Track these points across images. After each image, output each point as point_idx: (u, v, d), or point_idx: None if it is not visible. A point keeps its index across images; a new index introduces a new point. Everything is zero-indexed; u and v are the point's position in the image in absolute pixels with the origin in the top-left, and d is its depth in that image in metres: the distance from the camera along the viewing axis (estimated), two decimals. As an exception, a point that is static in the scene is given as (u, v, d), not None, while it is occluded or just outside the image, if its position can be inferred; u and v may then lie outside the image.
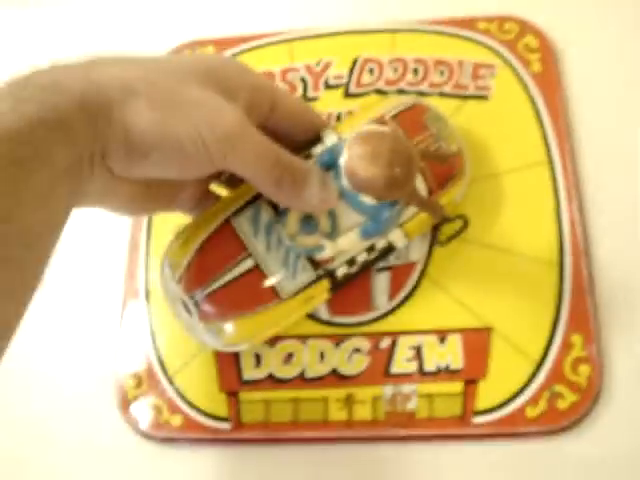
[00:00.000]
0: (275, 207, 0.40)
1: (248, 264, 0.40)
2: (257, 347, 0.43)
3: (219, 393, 0.43)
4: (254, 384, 0.43)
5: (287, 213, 0.39)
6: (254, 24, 0.54)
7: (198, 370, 0.44)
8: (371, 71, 0.50)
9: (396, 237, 0.42)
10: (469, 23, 0.51)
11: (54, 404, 0.46)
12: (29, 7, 0.60)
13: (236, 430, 0.42)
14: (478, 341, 0.42)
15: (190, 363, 0.44)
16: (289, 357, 0.43)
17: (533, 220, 0.45)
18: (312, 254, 0.40)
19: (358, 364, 0.43)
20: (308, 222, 0.39)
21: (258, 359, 0.43)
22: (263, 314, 0.40)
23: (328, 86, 0.51)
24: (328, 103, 0.50)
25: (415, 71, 0.50)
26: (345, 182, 0.37)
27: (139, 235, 0.48)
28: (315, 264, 0.40)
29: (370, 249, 0.41)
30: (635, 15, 0.51)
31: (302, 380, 0.43)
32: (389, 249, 0.42)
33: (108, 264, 0.48)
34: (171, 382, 0.44)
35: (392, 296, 0.44)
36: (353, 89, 0.50)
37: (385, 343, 0.43)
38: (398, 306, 0.44)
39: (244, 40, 0.53)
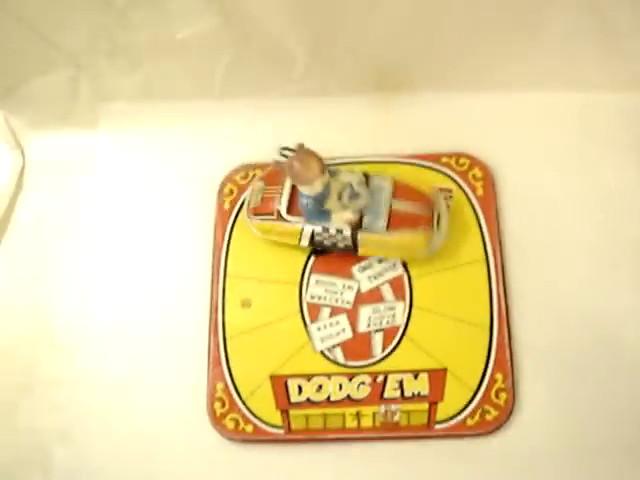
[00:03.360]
0: None
1: None
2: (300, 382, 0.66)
3: (275, 410, 0.65)
4: (298, 405, 0.64)
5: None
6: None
7: (261, 396, 0.66)
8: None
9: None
10: (435, 157, 0.73)
11: (163, 420, 0.66)
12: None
13: (287, 434, 0.64)
14: (438, 377, 0.64)
15: (256, 391, 0.66)
16: (320, 388, 0.65)
17: (474, 298, 0.67)
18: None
19: (363, 391, 0.65)
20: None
21: (300, 389, 0.65)
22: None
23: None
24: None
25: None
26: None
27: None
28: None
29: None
30: (549, 156, 0.73)
31: (328, 402, 0.64)
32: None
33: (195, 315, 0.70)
34: (244, 403, 0.65)
35: (384, 348, 0.66)
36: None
37: (380, 378, 0.65)
38: (388, 355, 0.66)
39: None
